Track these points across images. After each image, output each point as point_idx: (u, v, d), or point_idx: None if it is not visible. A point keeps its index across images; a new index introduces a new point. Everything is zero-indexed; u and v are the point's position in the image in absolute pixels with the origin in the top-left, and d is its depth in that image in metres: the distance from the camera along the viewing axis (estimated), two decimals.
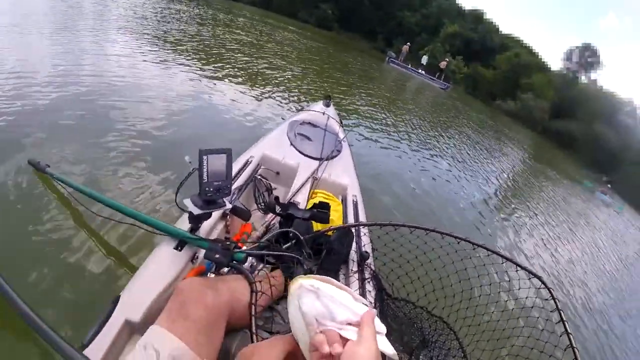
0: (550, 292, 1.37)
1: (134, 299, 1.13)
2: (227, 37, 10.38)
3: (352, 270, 1.63)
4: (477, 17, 43.19)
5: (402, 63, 24.77)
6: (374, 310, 0.61)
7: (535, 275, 1.45)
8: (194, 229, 1.38)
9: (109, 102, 3.67)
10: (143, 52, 5.97)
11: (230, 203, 1.48)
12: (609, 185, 19.34)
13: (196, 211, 1.30)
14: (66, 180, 1.99)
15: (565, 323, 1.25)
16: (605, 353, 3.55)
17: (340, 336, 0.58)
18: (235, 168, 2.03)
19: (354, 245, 1.72)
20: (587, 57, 40.48)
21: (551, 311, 1.34)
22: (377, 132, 6.66)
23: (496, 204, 6.34)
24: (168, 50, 6.76)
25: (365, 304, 0.64)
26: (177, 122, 3.75)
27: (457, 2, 44.75)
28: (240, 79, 6.40)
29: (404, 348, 1.59)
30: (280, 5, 38.25)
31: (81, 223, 2.05)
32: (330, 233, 1.64)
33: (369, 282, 1.62)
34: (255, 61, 8.33)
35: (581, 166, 25.37)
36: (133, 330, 1.10)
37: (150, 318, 1.06)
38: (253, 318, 1.02)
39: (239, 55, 8.43)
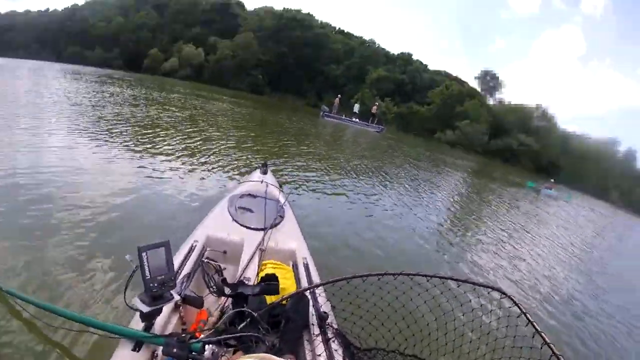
0: (516, 304, 1.38)
1: None
2: (162, 116, 10.46)
3: (314, 333, 1.61)
4: (405, 59, 47.10)
5: (336, 115, 25.96)
6: None
7: (498, 290, 1.45)
8: (148, 326, 1.36)
9: (47, 206, 3.52)
10: (80, 143, 5.91)
11: (180, 294, 1.47)
12: (552, 180, 20.62)
13: (145, 309, 1.28)
14: (16, 294, 1.93)
15: (542, 334, 1.23)
16: (586, 344, 3.65)
17: None
18: (180, 256, 2.01)
19: (311, 308, 1.72)
20: (488, 81, 45.09)
21: (525, 326, 1.34)
22: (319, 188, 6.76)
23: (447, 228, 6.56)
24: (104, 136, 6.71)
25: None
26: (120, 217, 3.63)
27: (384, 48, 48.64)
28: (177, 158, 6.38)
29: None
30: (211, 77, 39.65)
31: (37, 336, 1.96)
32: (284, 302, 1.63)
33: (333, 341, 1.60)
34: (191, 137, 8.40)
35: (527, 175, 27.02)
36: None
37: None
38: None
39: (175, 132, 8.48)
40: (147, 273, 1.24)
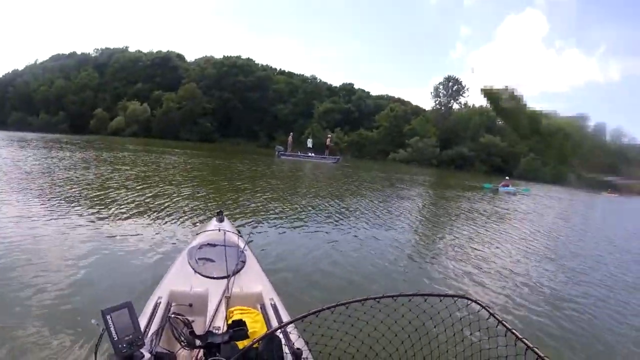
0: (485, 307, 1.40)
1: None
2: (113, 176, 10.24)
3: None
4: (348, 90, 49.36)
5: (291, 152, 26.45)
6: None
7: (463, 297, 1.49)
8: None
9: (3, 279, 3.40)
10: (33, 211, 5.76)
11: (151, 351, 1.46)
12: (507, 178, 21.55)
13: None
14: None
15: (514, 331, 1.24)
16: (563, 327, 3.77)
17: None
18: (146, 314, 1.96)
19: (284, 347, 1.71)
20: (451, 87, 46.49)
21: (496, 326, 1.34)
22: (278, 225, 6.75)
23: (408, 244, 6.65)
24: (57, 202, 6.57)
25: None
26: (80, 282, 3.53)
27: (326, 82, 50.69)
28: (131, 216, 6.20)
29: None
30: (160, 130, 39.33)
31: None
32: (256, 345, 1.61)
33: None
34: (144, 193, 8.21)
35: (482, 177, 28.08)
36: None
37: None
38: None
39: (127, 191, 8.28)
40: (114, 335, 1.23)
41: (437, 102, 46.68)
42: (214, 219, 3.50)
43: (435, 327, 1.70)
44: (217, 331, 1.82)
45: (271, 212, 7.81)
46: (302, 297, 3.70)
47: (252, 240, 3.99)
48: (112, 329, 1.23)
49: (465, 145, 39.84)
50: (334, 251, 5.56)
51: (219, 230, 3.15)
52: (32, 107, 42.95)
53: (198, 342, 1.57)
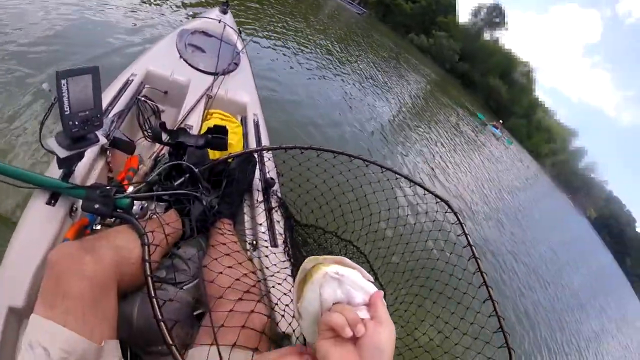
0: (457, 216, 1.39)
1: (12, 278, 0.88)
2: None
3: (257, 200, 1.48)
4: None
5: None
6: (381, 291, 0.60)
7: (442, 200, 1.47)
8: (67, 174, 1.09)
9: None
10: None
11: (107, 136, 1.23)
12: (501, 121, 21.73)
13: (63, 153, 0.99)
14: None
15: (473, 248, 1.27)
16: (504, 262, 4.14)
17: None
18: (112, 90, 1.66)
19: (257, 172, 1.56)
20: (494, 16, 44.04)
21: (458, 235, 1.36)
22: (282, 45, 6.21)
23: (398, 122, 6.73)
24: None
25: (372, 281, 0.63)
26: (48, 34, 2.99)
27: None
28: None
29: None
30: None
31: None
32: (230, 160, 1.41)
33: (276, 211, 1.49)
34: None
35: (477, 107, 27.73)
36: (21, 317, 0.86)
37: (35, 298, 0.81)
38: (149, 279, 0.83)
39: None
40: (67, 107, 0.92)
41: (471, 21, 44.86)
42: (217, 8, 3.01)
43: (408, 215, 1.69)
44: (190, 130, 1.60)
45: (279, 30, 7.18)
46: (286, 126, 3.59)
47: (249, 42, 3.55)
48: (65, 99, 0.90)
49: (477, 74, 38.71)
50: (331, 97, 5.46)
51: (220, 21, 2.72)
52: None
53: (165, 137, 1.29)
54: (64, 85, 0.89)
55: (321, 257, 0.65)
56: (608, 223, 61.40)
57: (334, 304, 0.59)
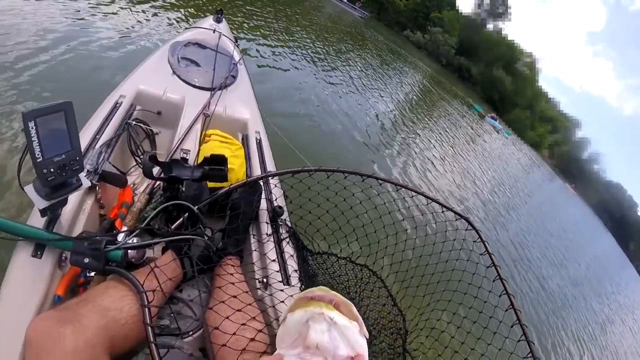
0: (479, 234, 1.33)
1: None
2: None
3: (266, 232, 1.33)
4: None
5: None
6: (365, 357, 0.61)
7: (463, 217, 1.40)
8: (52, 220, 0.96)
9: None
10: None
11: (96, 170, 1.14)
12: (497, 113, 21.92)
13: (42, 204, 0.86)
14: None
15: (498, 268, 1.22)
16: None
17: None
18: (100, 116, 1.50)
19: (264, 202, 1.42)
20: (497, 6, 44.33)
21: (481, 254, 1.28)
22: (281, 54, 6.02)
23: (398, 122, 6.72)
24: None
25: (366, 337, 0.64)
26: (25, 69, 2.80)
27: None
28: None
29: None
30: None
31: None
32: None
33: (287, 242, 1.34)
34: None
35: (476, 100, 27.96)
36: None
37: None
38: (152, 345, 0.73)
39: None
40: (39, 154, 0.77)
41: (475, 11, 45.07)
42: (211, 17, 2.86)
43: (426, 235, 1.66)
44: (186, 155, 1.45)
45: (278, 37, 7.05)
46: (287, 144, 3.44)
47: (247, 53, 3.41)
48: (35, 144, 0.76)
49: (477, 66, 38.79)
50: (334, 106, 5.31)
51: (214, 31, 2.57)
52: None
53: (157, 172, 1.15)
54: (32, 128, 0.74)
55: (332, 293, 0.66)
56: (609, 208, 62.18)
57: (318, 346, 0.59)
